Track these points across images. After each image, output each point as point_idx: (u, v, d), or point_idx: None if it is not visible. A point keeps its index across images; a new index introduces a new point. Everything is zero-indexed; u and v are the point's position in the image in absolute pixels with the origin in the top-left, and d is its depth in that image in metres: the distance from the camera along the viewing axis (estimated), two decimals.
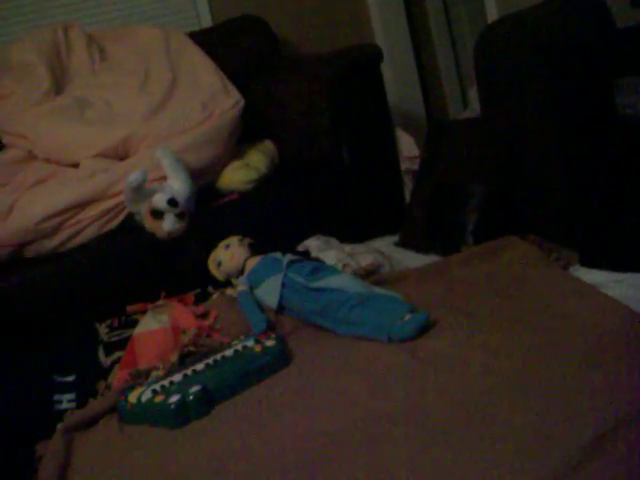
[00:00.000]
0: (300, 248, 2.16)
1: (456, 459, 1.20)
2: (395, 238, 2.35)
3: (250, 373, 1.60)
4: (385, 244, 2.31)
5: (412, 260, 2.13)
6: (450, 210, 2.14)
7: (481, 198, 2.07)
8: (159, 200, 2.06)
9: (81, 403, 1.65)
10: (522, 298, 1.71)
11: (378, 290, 1.77)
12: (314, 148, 2.53)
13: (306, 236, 2.23)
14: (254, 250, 2.00)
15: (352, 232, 2.32)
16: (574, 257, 1.83)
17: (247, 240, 2.02)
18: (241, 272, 1.97)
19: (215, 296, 1.98)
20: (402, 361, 1.54)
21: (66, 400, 1.66)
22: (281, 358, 1.65)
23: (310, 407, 1.45)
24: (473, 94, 2.80)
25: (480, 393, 1.37)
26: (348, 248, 2.08)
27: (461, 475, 1.16)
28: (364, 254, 2.03)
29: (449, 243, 2.08)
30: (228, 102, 2.48)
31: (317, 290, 1.77)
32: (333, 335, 1.73)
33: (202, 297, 2.00)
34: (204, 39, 2.75)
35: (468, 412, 1.32)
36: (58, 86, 2.50)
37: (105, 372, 1.73)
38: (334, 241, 2.18)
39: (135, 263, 2.06)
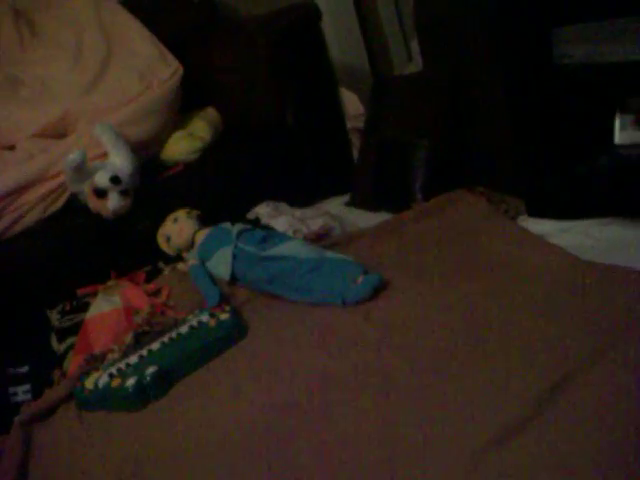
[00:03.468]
0: (250, 216, 2.14)
1: (415, 419, 1.21)
2: (345, 198, 2.34)
3: (206, 348, 1.58)
4: (335, 205, 2.31)
5: (363, 220, 2.13)
6: (397, 167, 2.13)
7: (427, 153, 2.06)
8: (101, 178, 2.01)
9: (37, 393, 1.62)
10: (473, 251, 1.72)
11: (330, 254, 1.76)
12: (258, 113, 2.49)
13: (255, 203, 2.20)
14: (203, 222, 1.97)
15: (302, 195, 2.30)
16: (521, 207, 1.85)
17: (195, 212, 1.99)
18: (191, 246, 1.94)
19: (166, 272, 1.95)
20: (357, 324, 1.54)
21: (21, 392, 1.63)
22: (236, 330, 1.64)
23: (268, 378, 1.45)
24: (416, 47, 2.77)
25: (435, 350, 1.38)
26: (298, 213, 2.06)
27: (420, 435, 1.17)
28: (314, 218, 2.01)
29: (398, 200, 2.08)
30: (167, 71, 2.41)
31: (268, 259, 1.76)
32: (287, 303, 1.72)
33: (153, 274, 1.97)
34: (137, 6, 2.65)
35: (425, 370, 1.33)
36: None
37: (59, 359, 1.70)
38: (284, 206, 2.16)
39: (82, 244, 2.01)
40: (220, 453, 1.28)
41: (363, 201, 2.24)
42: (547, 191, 1.75)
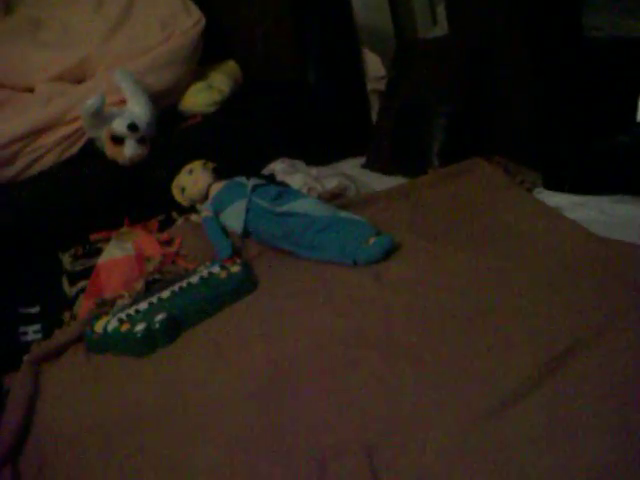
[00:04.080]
0: (265, 172, 2.14)
1: (418, 381, 1.22)
2: (361, 160, 2.33)
3: (215, 299, 1.60)
4: (351, 166, 2.30)
5: (378, 182, 2.12)
6: (416, 131, 2.12)
7: (447, 119, 2.05)
8: (119, 125, 2.01)
9: (47, 334, 1.64)
10: (486, 220, 1.72)
11: (343, 214, 1.76)
12: (278, 67, 2.48)
13: (271, 159, 2.20)
14: (218, 175, 1.97)
15: (318, 154, 2.29)
16: (538, 179, 1.84)
17: (211, 164, 1.99)
18: (205, 197, 1.94)
19: (179, 222, 1.96)
20: (366, 284, 1.55)
21: (32, 331, 1.65)
22: (246, 283, 1.65)
23: (275, 332, 1.46)
24: (442, 11, 2.73)
25: (443, 314, 1.39)
26: (314, 171, 2.06)
27: (422, 397, 1.18)
28: (330, 177, 2.01)
29: (415, 165, 2.07)
30: (189, 21, 2.39)
31: (282, 215, 1.76)
32: (298, 260, 1.72)
33: (166, 223, 1.98)
34: None
35: (432, 332, 1.34)
36: (7, 4, 2.39)
37: (70, 302, 1.72)
38: (300, 164, 2.15)
39: (97, 190, 2.02)
40: (223, 402, 1.30)
41: (379, 164, 2.23)
42: (565, 164, 1.74)
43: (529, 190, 1.79)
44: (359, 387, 1.24)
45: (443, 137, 2.04)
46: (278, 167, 2.10)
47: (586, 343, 1.20)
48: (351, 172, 2.22)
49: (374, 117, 2.50)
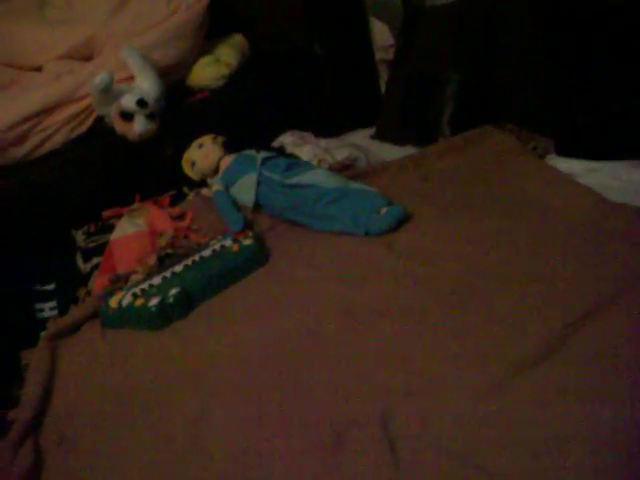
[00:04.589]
0: (275, 144, 2.13)
1: (436, 346, 1.23)
2: (371, 131, 2.32)
3: (228, 272, 1.61)
4: (361, 137, 2.28)
5: (388, 153, 2.11)
6: (426, 100, 2.10)
7: (457, 87, 2.03)
8: (128, 101, 2.01)
9: (62, 311, 1.66)
10: (498, 187, 1.71)
11: (354, 185, 1.76)
12: (285, 40, 2.45)
13: (280, 132, 2.19)
14: (228, 148, 1.97)
15: (327, 126, 2.28)
16: (550, 146, 1.82)
17: (220, 138, 1.98)
18: (216, 171, 1.94)
19: (191, 197, 1.96)
20: (379, 255, 1.55)
21: (48, 308, 1.67)
22: (258, 256, 1.65)
23: (288, 304, 1.46)
24: None
25: (456, 283, 1.39)
26: (323, 143, 2.05)
27: (443, 361, 1.19)
28: (340, 148, 2.00)
29: (425, 134, 2.06)
30: None
31: (292, 186, 1.76)
32: (310, 231, 1.72)
33: (178, 198, 1.98)
34: None
35: (444, 302, 1.34)
36: None
37: (84, 278, 1.73)
38: (309, 136, 2.14)
39: (107, 167, 2.02)
40: (238, 374, 1.31)
41: (389, 134, 2.21)
42: (578, 129, 1.72)
43: (541, 157, 1.78)
44: (374, 356, 1.25)
45: (453, 105, 2.02)
46: (287, 139, 2.09)
47: (600, 309, 1.20)
48: (361, 143, 2.21)
49: (383, 87, 2.48)
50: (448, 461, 1.00)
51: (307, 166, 1.84)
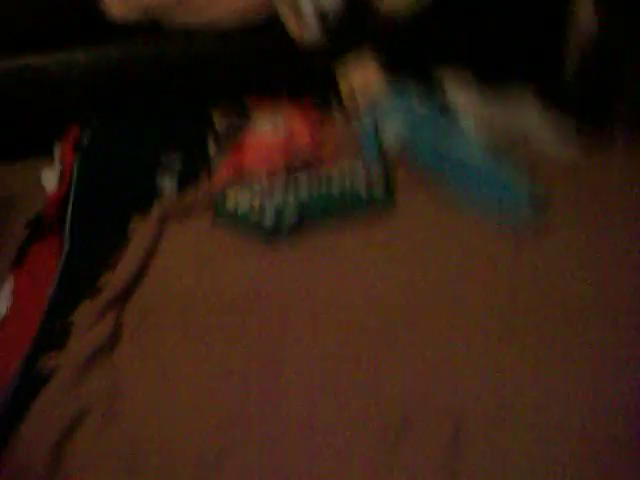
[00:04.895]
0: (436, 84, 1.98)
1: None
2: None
3: (346, 213, 1.57)
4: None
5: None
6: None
7: None
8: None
9: (182, 186, 1.66)
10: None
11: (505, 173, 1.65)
12: None
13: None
14: (391, 70, 1.86)
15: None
16: None
17: (384, 65, 1.86)
18: (370, 96, 1.85)
19: (336, 115, 1.88)
20: (493, 254, 1.48)
21: (168, 180, 1.67)
22: (383, 207, 1.60)
23: (384, 285, 1.41)
24: None
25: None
26: (486, 112, 1.88)
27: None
28: (504, 124, 1.84)
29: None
30: None
31: (439, 153, 1.68)
32: (439, 196, 1.63)
33: (323, 108, 1.90)
34: None
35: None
36: None
37: (211, 161, 1.72)
38: (475, 85, 1.96)
39: (264, 54, 1.91)
40: (319, 327, 1.32)
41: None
42: None
43: None
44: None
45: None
46: (452, 76, 1.92)
47: None
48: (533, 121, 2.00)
49: None
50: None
51: (463, 137, 1.73)
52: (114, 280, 1.41)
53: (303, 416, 1.15)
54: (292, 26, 1.83)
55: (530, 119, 1.92)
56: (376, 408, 1.15)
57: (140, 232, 1.52)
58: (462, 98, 1.90)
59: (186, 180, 1.67)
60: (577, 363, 1.21)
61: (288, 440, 1.12)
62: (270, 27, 1.85)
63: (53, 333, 1.31)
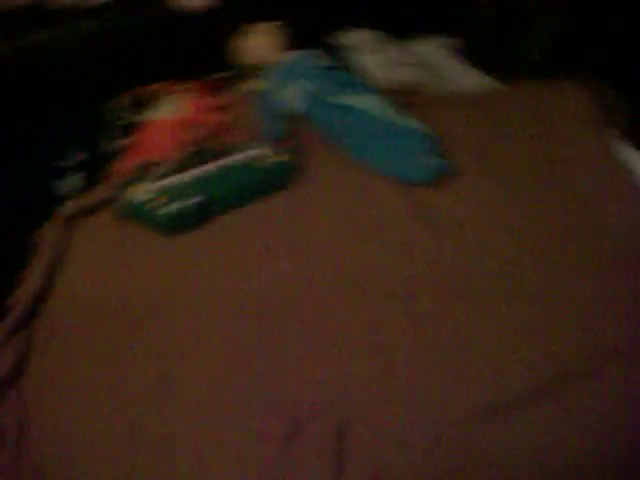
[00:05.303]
0: (343, 41, 1.93)
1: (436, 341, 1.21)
2: (450, 41, 2.07)
3: (255, 187, 1.55)
4: (438, 45, 2.04)
5: (461, 75, 1.91)
6: (522, 30, 1.86)
7: (550, 30, 1.79)
8: None
9: (87, 185, 1.63)
10: (554, 163, 1.55)
11: (407, 120, 1.62)
12: None
13: (353, 26, 1.97)
14: (288, 39, 1.81)
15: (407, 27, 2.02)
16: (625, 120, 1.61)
17: (283, 28, 1.81)
18: (268, 66, 1.80)
19: (237, 88, 1.84)
20: (401, 210, 1.48)
21: (66, 185, 1.63)
22: (288, 178, 1.59)
23: (299, 250, 1.42)
24: None
25: (487, 271, 1.32)
26: (394, 53, 1.84)
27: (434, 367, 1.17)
28: (407, 66, 1.81)
29: (506, 68, 1.85)
30: None
31: (341, 107, 1.64)
32: (347, 161, 1.62)
33: (223, 84, 1.86)
34: None
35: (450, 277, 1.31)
36: None
37: (111, 156, 1.68)
38: (380, 38, 1.92)
39: (151, 36, 1.85)
40: (218, 318, 1.31)
41: (469, 52, 1.98)
42: None
43: (617, 138, 1.59)
44: (356, 341, 1.23)
45: (543, 47, 1.80)
46: (356, 38, 1.90)
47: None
48: (435, 51, 1.98)
49: None
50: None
51: (363, 87, 1.69)
52: (22, 297, 1.39)
53: (205, 413, 1.16)
54: None
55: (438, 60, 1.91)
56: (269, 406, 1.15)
57: (45, 239, 1.50)
58: (366, 56, 1.86)
59: (90, 177, 1.64)
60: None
61: (185, 438, 1.13)
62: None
63: None
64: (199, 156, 1.62)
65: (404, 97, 1.75)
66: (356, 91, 1.66)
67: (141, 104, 1.77)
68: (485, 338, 1.20)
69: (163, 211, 1.47)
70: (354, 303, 1.29)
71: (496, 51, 1.93)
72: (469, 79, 1.87)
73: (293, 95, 1.70)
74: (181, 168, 1.57)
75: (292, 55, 1.77)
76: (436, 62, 1.92)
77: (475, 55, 1.97)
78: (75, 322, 1.35)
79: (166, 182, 1.53)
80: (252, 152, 1.59)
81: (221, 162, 1.57)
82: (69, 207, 1.56)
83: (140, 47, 1.83)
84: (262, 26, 1.82)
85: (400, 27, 1.99)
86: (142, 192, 1.51)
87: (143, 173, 1.59)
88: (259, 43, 1.81)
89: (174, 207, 1.47)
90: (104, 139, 1.71)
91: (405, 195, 1.51)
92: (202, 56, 1.88)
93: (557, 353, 1.16)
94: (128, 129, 1.72)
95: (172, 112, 1.72)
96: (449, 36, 2.05)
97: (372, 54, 1.84)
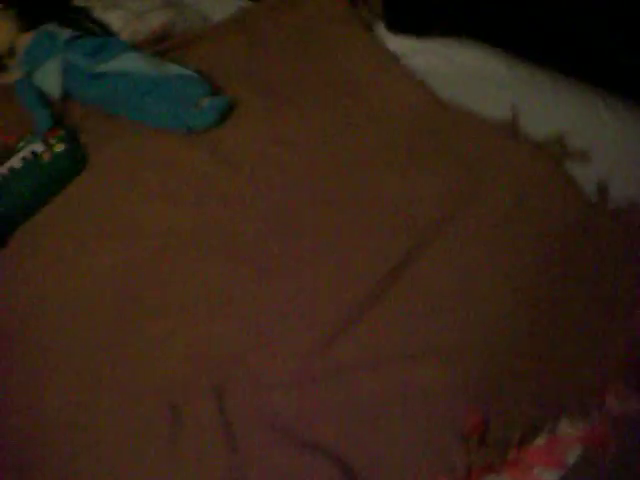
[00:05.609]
0: (79, 1, 1.84)
1: (260, 290, 1.22)
2: None
3: (42, 188, 1.47)
4: None
5: (210, 3, 1.89)
6: None
7: None
8: None
9: None
10: (326, 68, 1.61)
11: (172, 68, 1.59)
12: None
13: None
14: (24, 21, 1.69)
15: None
16: (378, 6, 1.68)
17: (12, 11, 1.69)
18: (13, 53, 1.69)
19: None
20: (202, 163, 1.47)
21: None
22: (73, 164, 1.52)
23: (112, 233, 1.38)
24: None
25: (283, 206, 1.35)
26: (136, 3, 1.79)
27: (265, 310, 1.19)
28: (154, 11, 1.76)
29: None
30: None
31: (102, 75, 1.58)
32: (127, 126, 1.57)
33: None
34: None
35: (272, 229, 1.31)
36: None
37: None
38: None
39: None
40: (64, 316, 1.25)
41: None
42: (409, 3, 1.59)
43: (369, 27, 1.65)
44: (200, 304, 1.22)
45: None
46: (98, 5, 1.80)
47: (427, 242, 1.22)
48: None
49: None
50: (283, 437, 1.03)
51: (118, 47, 1.62)
52: None
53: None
54: None
55: None
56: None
57: None
58: (107, 13, 1.79)
59: None
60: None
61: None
62: None
63: None
64: None
65: (161, 45, 1.72)
66: (112, 54, 1.59)
67: None
68: (320, 268, 1.23)
69: None
70: (196, 266, 1.28)
71: None
72: (220, 5, 1.85)
73: (49, 77, 1.62)
74: None
75: (31, 36, 1.66)
76: None
77: None
78: None
79: None
80: (27, 151, 1.50)
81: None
82: None
83: None
84: None
85: None
86: None
87: None
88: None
89: None
90: None
91: (202, 146, 1.50)
92: None
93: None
94: None
95: None
96: None
97: (114, 9, 1.76)
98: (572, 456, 0.95)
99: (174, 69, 1.59)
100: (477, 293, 1.13)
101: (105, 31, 1.72)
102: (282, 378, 1.10)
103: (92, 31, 1.70)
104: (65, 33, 1.64)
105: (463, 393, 1.02)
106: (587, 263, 1.12)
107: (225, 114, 1.53)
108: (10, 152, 1.51)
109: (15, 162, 1.49)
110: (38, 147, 1.51)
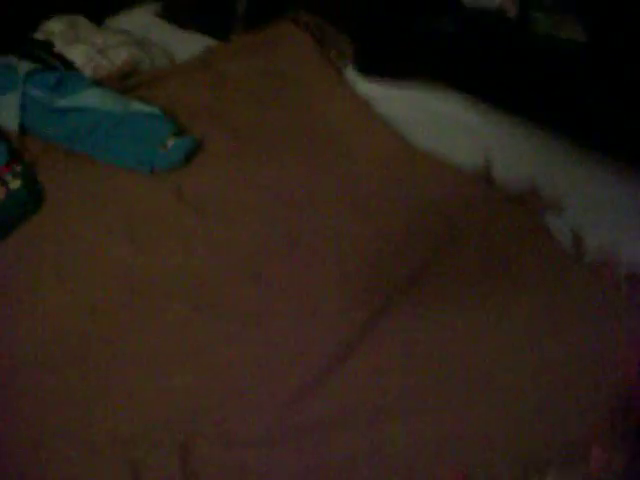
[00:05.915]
0: (40, 35, 1.79)
1: (230, 339, 1.17)
2: (156, 7, 2.01)
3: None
4: (144, 16, 1.97)
5: (176, 41, 1.85)
6: None
7: None
8: None
9: None
10: (298, 113, 1.58)
11: (136, 106, 1.55)
12: None
13: (47, 14, 1.84)
14: None
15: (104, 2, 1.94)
16: (349, 49, 1.67)
17: None
18: None
19: None
20: (167, 205, 1.42)
21: None
22: (30, 203, 1.45)
23: (71, 275, 1.30)
24: None
25: (249, 251, 1.31)
26: (100, 40, 1.74)
27: (236, 361, 1.14)
28: (118, 47, 1.72)
29: (217, 25, 1.83)
30: None
31: (64, 110, 1.53)
32: (88, 163, 1.51)
33: None
34: None
35: (239, 275, 1.27)
36: None
37: None
38: (82, 22, 1.82)
39: None
40: (16, 361, 1.17)
41: (177, 14, 1.94)
42: (381, 47, 1.59)
43: (339, 71, 1.64)
44: (164, 355, 1.16)
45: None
46: (56, 28, 1.76)
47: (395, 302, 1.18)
48: (144, 21, 1.92)
49: None
50: None
51: (80, 82, 1.57)
52: None
53: None
54: None
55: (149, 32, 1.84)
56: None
57: None
58: (70, 48, 1.74)
59: None
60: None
61: None
62: None
63: None
64: None
65: (125, 82, 1.67)
66: (74, 89, 1.54)
67: None
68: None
69: None
70: (160, 312, 1.22)
71: (201, 9, 1.88)
72: (185, 43, 1.82)
73: (7, 111, 1.55)
74: None
75: None
76: (147, 34, 1.83)
77: (182, 17, 1.91)
78: None
79: None
80: None
81: None
82: None
83: None
84: None
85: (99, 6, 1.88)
86: None
87: None
88: None
89: None
90: None
91: (165, 186, 1.45)
92: None
93: None
94: None
95: None
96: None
97: (76, 44, 1.71)
98: None
99: (139, 107, 1.55)
100: (453, 348, 1.10)
101: (67, 66, 1.66)
102: (251, 434, 1.04)
103: (53, 65, 1.64)
104: (25, 66, 1.58)
105: (442, 450, 0.98)
106: (567, 318, 1.09)
107: (191, 154, 1.49)
108: None
109: None
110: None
